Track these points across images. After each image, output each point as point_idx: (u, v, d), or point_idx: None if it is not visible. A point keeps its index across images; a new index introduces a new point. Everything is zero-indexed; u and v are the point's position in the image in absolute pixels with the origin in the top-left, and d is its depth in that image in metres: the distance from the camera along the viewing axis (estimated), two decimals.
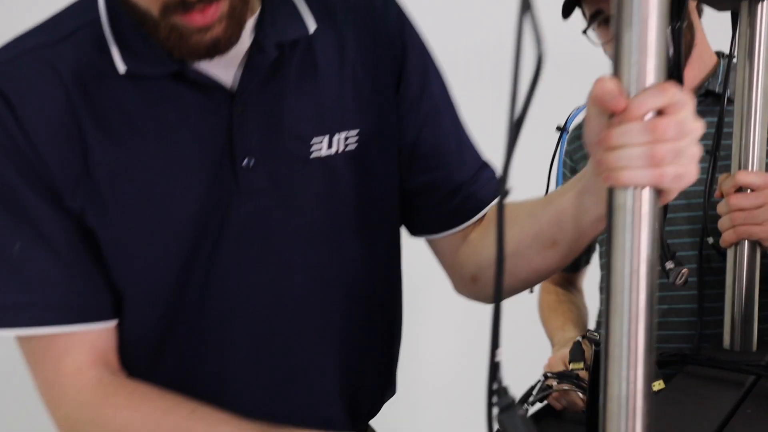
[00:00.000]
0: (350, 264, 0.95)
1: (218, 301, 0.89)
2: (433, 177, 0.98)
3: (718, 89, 1.42)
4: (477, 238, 1.00)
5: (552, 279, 1.70)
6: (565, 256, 0.89)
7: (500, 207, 0.61)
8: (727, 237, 1.22)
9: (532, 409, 1.38)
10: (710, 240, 1.32)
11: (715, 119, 1.41)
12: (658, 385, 1.02)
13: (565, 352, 1.41)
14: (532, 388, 1.34)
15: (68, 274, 0.84)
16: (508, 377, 1.52)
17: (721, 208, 1.22)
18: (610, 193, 0.70)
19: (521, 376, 1.62)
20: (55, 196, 0.83)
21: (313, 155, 0.90)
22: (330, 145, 0.90)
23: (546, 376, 1.34)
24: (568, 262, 0.91)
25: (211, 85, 0.85)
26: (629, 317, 0.70)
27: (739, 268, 1.23)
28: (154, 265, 0.86)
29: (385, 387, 1.04)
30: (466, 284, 1.02)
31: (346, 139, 0.91)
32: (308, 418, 0.85)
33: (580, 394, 1.33)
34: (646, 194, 0.68)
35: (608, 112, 0.68)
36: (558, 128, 1.51)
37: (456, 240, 1.01)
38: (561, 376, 1.32)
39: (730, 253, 1.24)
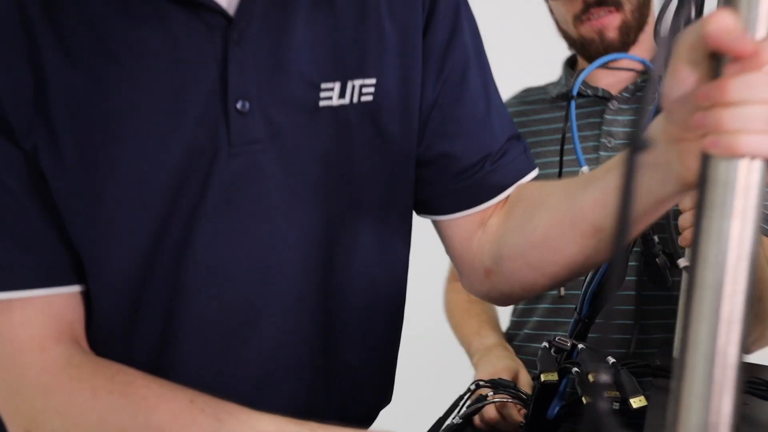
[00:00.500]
0: (354, 241, 0.79)
1: (196, 276, 0.73)
2: (453, 145, 0.82)
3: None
4: (497, 224, 0.84)
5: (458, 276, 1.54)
6: (610, 246, 0.74)
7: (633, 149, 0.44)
8: (687, 235, 1.09)
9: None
10: (656, 238, 1.20)
11: None
12: (639, 401, 0.88)
13: (497, 369, 1.26)
14: (461, 398, 1.18)
15: (25, 226, 0.67)
16: (435, 386, 1.32)
17: (685, 220, 1.08)
18: (705, 164, 0.54)
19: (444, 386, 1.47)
20: (5, 127, 0.66)
21: (323, 103, 0.74)
22: (342, 94, 0.75)
23: (478, 385, 1.18)
24: (611, 254, 0.76)
25: (203, 4, 0.69)
26: (719, 325, 0.55)
27: None
28: (119, 228, 0.70)
29: (383, 392, 0.88)
30: (478, 278, 0.86)
31: (362, 88, 0.76)
32: (291, 414, 0.69)
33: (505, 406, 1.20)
34: (758, 168, 0.53)
35: (711, 56, 0.53)
36: (565, 96, 1.35)
37: (471, 224, 0.85)
38: (496, 385, 1.17)
39: (687, 255, 1.12)
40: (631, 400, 0.89)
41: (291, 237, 0.75)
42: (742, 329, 0.55)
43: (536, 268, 0.79)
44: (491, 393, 1.16)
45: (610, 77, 1.34)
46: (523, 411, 1.16)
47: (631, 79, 1.34)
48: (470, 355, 1.39)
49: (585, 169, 0.92)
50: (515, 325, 1.43)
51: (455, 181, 0.83)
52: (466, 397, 1.21)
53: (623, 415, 1.08)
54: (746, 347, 1.22)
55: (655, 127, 0.64)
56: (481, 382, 1.17)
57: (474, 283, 0.88)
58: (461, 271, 0.89)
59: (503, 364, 1.28)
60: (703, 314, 0.55)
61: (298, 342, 0.78)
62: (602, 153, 1.30)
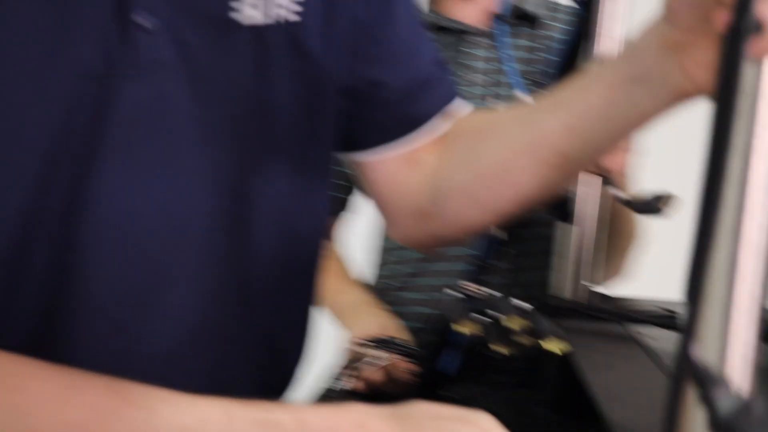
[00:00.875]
0: (272, 184, 0.67)
1: (91, 233, 0.59)
2: (382, 70, 0.73)
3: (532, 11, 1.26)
4: (434, 161, 0.75)
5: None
6: (573, 175, 0.67)
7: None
8: (619, 159, 1.06)
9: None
10: None
11: (531, 43, 1.26)
12: (560, 345, 0.83)
13: (371, 327, 1.17)
14: (352, 362, 1.08)
15: None
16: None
17: None
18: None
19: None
20: None
21: (239, 20, 0.63)
22: (256, 7, 0.64)
23: (360, 344, 1.09)
24: (570, 183, 0.69)
25: None
26: (741, 250, 0.49)
27: (584, 207, 1.07)
28: None
29: (300, 358, 0.77)
30: (410, 223, 0.77)
31: (281, 4, 0.65)
32: (208, 392, 0.56)
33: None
34: None
35: None
36: (498, 18, 1.24)
37: (401, 161, 0.76)
38: (382, 343, 1.09)
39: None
40: (546, 344, 0.84)
41: (204, 181, 0.63)
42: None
43: (484, 206, 0.71)
44: (376, 352, 1.08)
45: (466, 9, 1.27)
46: (411, 368, 1.09)
47: (487, 12, 1.28)
48: (336, 315, 1.28)
49: (522, 95, 0.85)
50: (383, 277, 1.35)
51: (383, 111, 0.74)
52: (347, 359, 1.12)
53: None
54: (599, 279, 1.22)
55: (648, 35, 0.58)
56: (367, 341, 1.09)
57: (404, 228, 0.79)
58: (388, 217, 0.80)
59: (376, 321, 1.20)
60: (723, 238, 0.49)
61: (212, 308, 0.65)
62: (464, 89, 1.23)
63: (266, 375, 0.72)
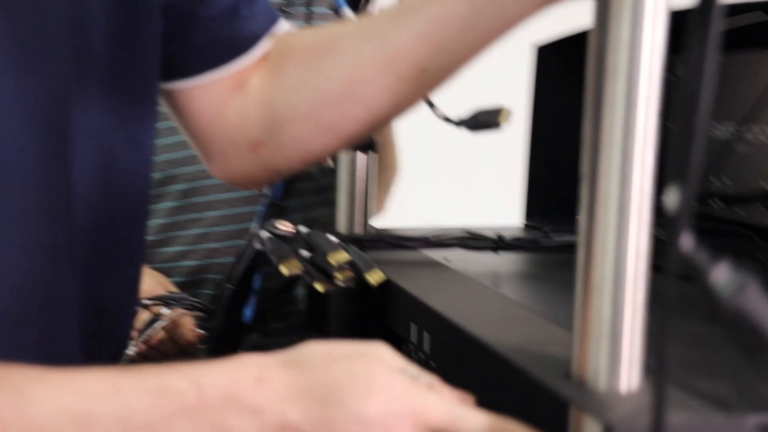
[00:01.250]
0: (97, 116, 0.58)
1: None
2: None
3: None
4: (264, 85, 0.68)
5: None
6: (430, 89, 0.63)
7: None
8: None
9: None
10: None
11: None
12: (377, 276, 0.81)
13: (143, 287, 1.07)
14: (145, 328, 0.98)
15: None
16: None
17: None
18: None
19: None
20: None
21: None
22: None
23: (145, 306, 0.99)
24: (425, 97, 0.64)
25: None
26: (633, 154, 0.48)
27: None
28: None
29: (133, 318, 0.69)
30: (238, 157, 0.70)
31: None
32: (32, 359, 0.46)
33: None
34: None
35: None
36: None
37: (225, 88, 0.68)
38: (168, 300, 1.00)
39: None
40: (368, 277, 0.81)
41: (19, 112, 0.51)
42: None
43: (329, 129, 0.65)
44: (163, 311, 0.98)
45: None
46: (195, 324, 1.01)
47: None
48: None
49: (347, 12, 0.78)
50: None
51: (208, 31, 0.66)
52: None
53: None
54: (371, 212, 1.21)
55: None
56: (148, 301, 0.99)
57: (231, 163, 0.71)
58: (210, 153, 0.71)
59: (148, 280, 1.09)
60: (613, 131, 0.48)
61: (39, 267, 0.55)
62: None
63: (97, 342, 0.62)
